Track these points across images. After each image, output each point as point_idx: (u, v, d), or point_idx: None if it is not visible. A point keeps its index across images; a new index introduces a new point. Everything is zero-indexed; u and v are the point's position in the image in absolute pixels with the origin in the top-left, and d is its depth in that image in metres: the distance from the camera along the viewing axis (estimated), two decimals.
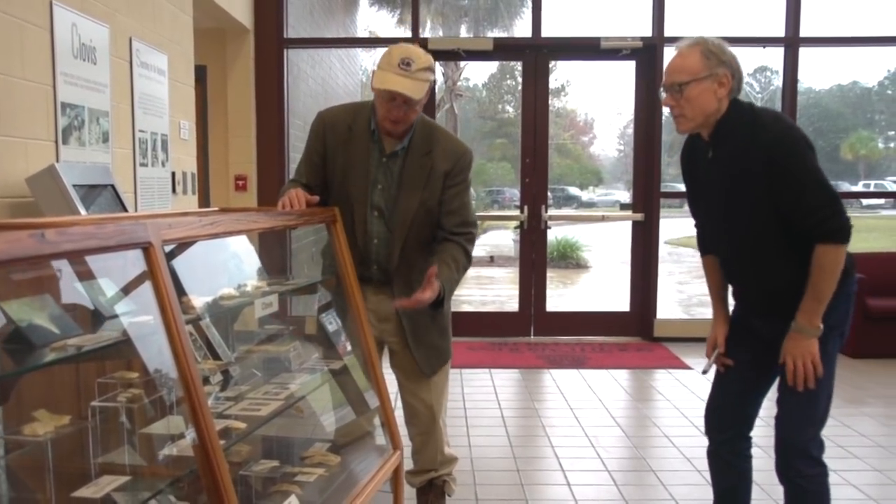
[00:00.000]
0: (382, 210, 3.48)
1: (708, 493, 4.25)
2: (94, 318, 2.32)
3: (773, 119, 2.97)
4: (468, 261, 3.52)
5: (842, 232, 2.87)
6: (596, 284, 15.82)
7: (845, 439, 5.33)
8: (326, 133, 3.52)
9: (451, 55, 8.78)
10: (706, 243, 3.35)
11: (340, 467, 3.24)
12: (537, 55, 8.49)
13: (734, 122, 2.99)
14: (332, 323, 3.68)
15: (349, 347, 3.68)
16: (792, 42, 8.25)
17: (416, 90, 3.29)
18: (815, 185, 2.87)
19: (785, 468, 3.10)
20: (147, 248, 2.06)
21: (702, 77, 2.93)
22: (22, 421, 2.08)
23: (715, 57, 2.94)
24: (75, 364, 2.33)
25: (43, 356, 2.00)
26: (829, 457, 4.87)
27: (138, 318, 2.36)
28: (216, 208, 3.47)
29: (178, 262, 2.50)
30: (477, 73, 22.41)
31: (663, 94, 3.05)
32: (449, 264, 3.39)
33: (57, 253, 1.77)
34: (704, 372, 3.38)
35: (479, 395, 6.40)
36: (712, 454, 3.38)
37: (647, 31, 8.35)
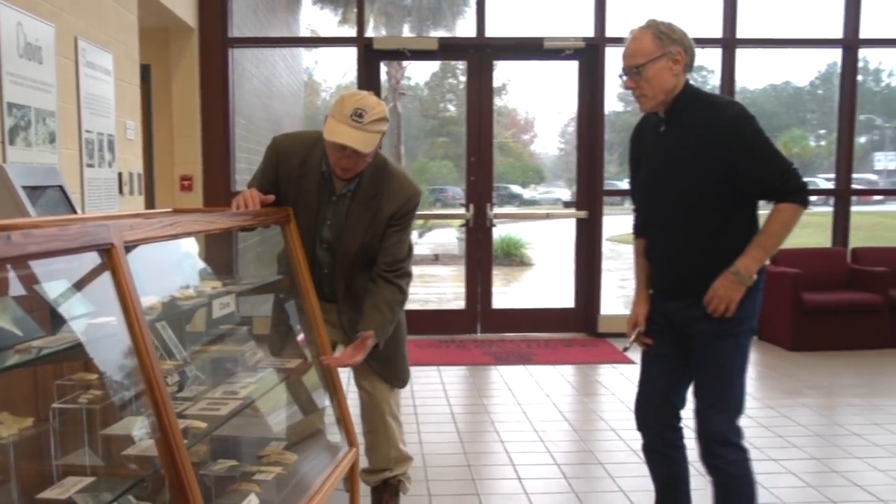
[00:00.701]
0: (331, 244, 3.54)
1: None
2: (54, 319, 2.32)
3: (730, 100, 3.20)
4: (403, 294, 3.58)
5: (804, 190, 3.05)
6: (540, 282, 15.93)
7: (784, 429, 5.47)
8: (280, 163, 3.53)
9: (396, 55, 8.80)
10: (640, 223, 3.44)
11: (297, 465, 3.26)
12: (482, 55, 8.55)
13: (689, 99, 3.15)
14: (286, 322, 3.70)
15: (304, 346, 3.70)
16: (729, 43, 8.41)
17: (367, 143, 3.26)
18: (777, 153, 3.07)
19: (709, 457, 3.22)
20: (109, 250, 2.08)
21: (657, 57, 3.08)
22: None
23: (666, 37, 3.10)
24: (34, 367, 2.32)
25: (7, 358, 2.00)
26: (769, 447, 5.07)
27: (97, 319, 2.37)
28: (169, 209, 3.47)
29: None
30: (419, 72, 22.35)
31: (623, 78, 3.17)
32: (381, 309, 3.47)
33: (23, 255, 1.78)
34: (625, 349, 3.51)
35: (427, 393, 6.44)
36: (647, 448, 3.47)
37: (590, 32, 8.44)
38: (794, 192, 3.03)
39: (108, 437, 2.38)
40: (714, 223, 3.10)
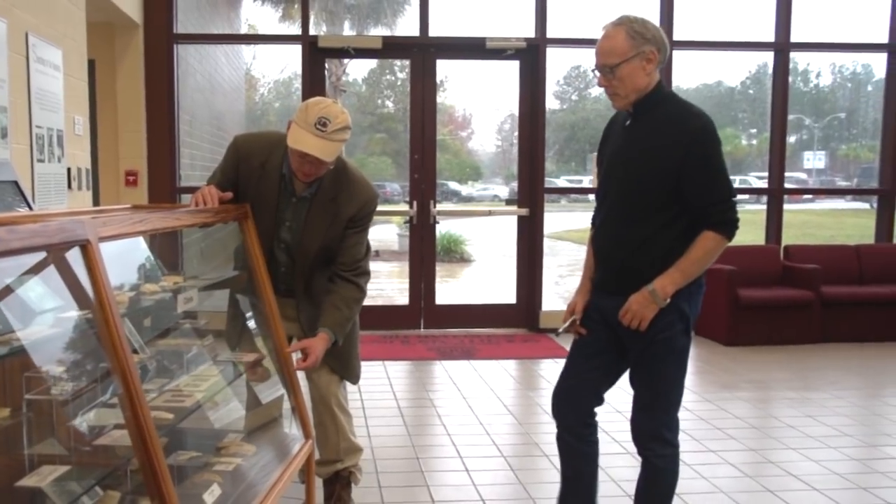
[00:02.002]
0: (289, 245, 3.63)
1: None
2: (24, 313, 2.38)
3: (701, 112, 3.17)
4: (361, 292, 3.71)
5: (734, 225, 3.12)
6: (480, 278, 16.07)
7: (722, 422, 5.65)
8: (240, 164, 3.59)
9: (340, 53, 8.87)
10: (595, 213, 3.46)
11: (256, 456, 3.33)
12: (425, 54, 8.66)
13: (660, 99, 3.16)
14: (242, 317, 3.77)
15: (260, 340, 3.77)
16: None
17: (330, 152, 3.34)
18: (725, 178, 3.13)
19: (641, 448, 3.35)
20: (85, 245, 2.14)
21: (630, 57, 3.07)
22: None
23: (640, 36, 3.08)
24: (5, 359, 2.37)
25: None
26: (708, 438, 5.25)
27: (66, 313, 2.43)
28: (128, 205, 3.51)
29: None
30: (358, 68, 22.37)
31: (596, 74, 3.20)
32: (340, 307, 3.60)
33: (6, 250, 1.84)
34: (557, 334, 3.49)
35: (374, 387, 6.53)
36: (559, 438, 3.50)
37: (531, 33, 8.60)
38: (722, 224, 3.10)
39: (81, 428, 2.44)
40: (653, 225, 3.14)
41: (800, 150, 27.85)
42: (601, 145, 3.47)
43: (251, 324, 3.82)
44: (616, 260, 3.26)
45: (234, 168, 3.59)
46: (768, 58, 9.09)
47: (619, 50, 3.09)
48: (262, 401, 3.83)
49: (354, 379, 3.93)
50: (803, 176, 26.88)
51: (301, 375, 3.73)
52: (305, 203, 3.59)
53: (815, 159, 28.21)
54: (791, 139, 26.95)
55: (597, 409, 3.46)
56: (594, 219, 3.46)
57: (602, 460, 4.67)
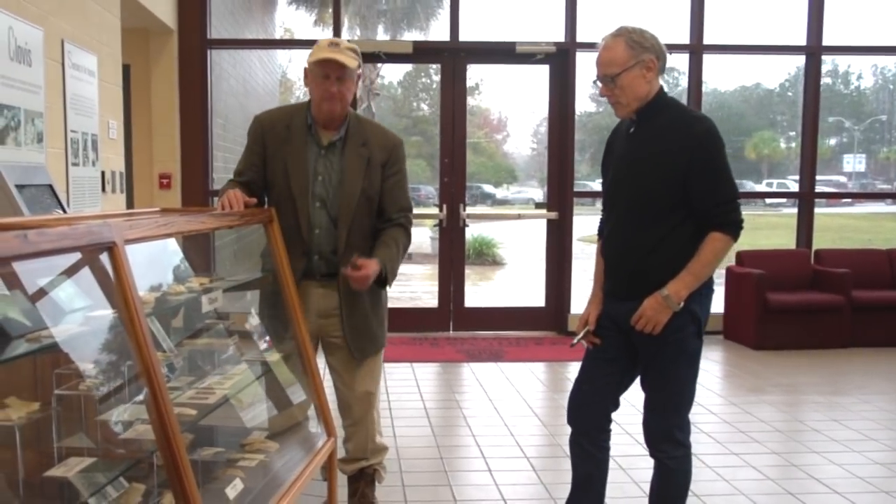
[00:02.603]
0: (325, 200, 3.69)
1: (619, 477, 4.56)
2: (55, 312, 2.48)
3: (703, 116, 3.26)
4: (408, 239, 3.82)
5: (739, 225, 3.18)
6: (511, 281, 16.12)
7: (746, 425, 5.68)
8: (265, 134, 3.73)
9: (371, 58, 8.96)
10: (602, 222, 3.53)
11: (279, 453, 3.42)
12: (455, 59, 8.74)
13: (662, 105, 3.24)
14: (267, 318, 3.85)
15: (283, 341, 3.85)
16: (696, 49, 8.65)
17: (348, 60, 3.54)
18: (730, 180, 3.18)
19: (653, 450, 3.40)
20: (111, 248, 2.23)
21: (630, 66, 3.16)
22: None
23: (638, 45, 3.17)
24: (38, 355, 2.47)
25: (18, 346, 2.16)
26: (731, 441, 5.27)
27: (96, 312, 2.53)
28: (157, 209, 3.62)
29: None
30: (393, 71, 22.47)
31: (598, 85, 3.27)
32: (388, 244, 3.68)
33: (37, 252, 1.93)
34: (572, 345, 3.56)
35: (401, 388, 6.61)
36: (573, 442, 3.56)
37: (561, 37, 8.66)
38: (728, 224, 3.16)
39: (107, 422, 2.54)
40: (661, 230, 3.19)
41: (840, 153, 27.63)
42: (606, 154, 3.53)
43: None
44: (626, 265, 3.31)
45: (259, 142, 3.73)
46: (801, 61, 9.07)
47: (619, 60, 3.18)
48: (288, 402, 3.91)
49: (381, 344, 3.97)
50: (843, 179, 26.66)
51: (326, 374, 3.82)
52: (335, 151, 3.71)
53: (855, 162, 27.97)
54: (831, 142, 26.75)
55: (612, 416, 3.51)
56: (601, 229, 3.53)
57: (624, 461, 4.76)
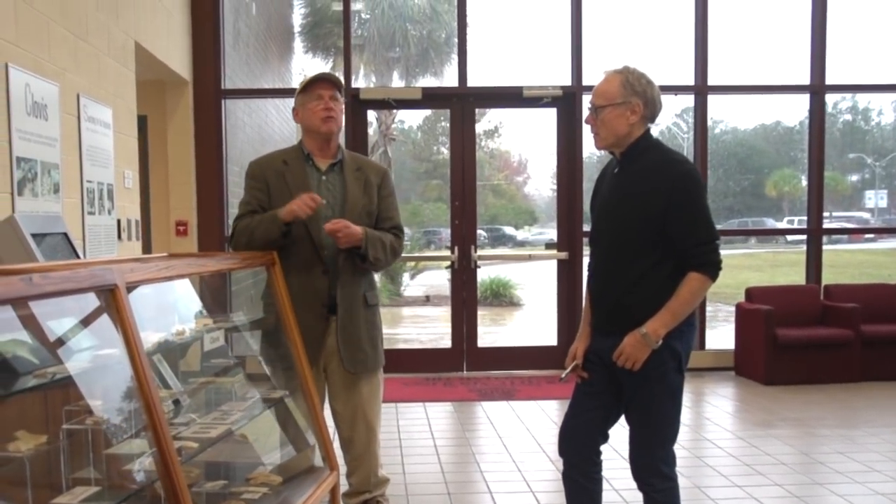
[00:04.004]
0: (331, 218, 3.87)
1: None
2: (65, 351, 2.64)
3: (684, 158, 3.39)
4: (397, 246, 4.05)
5: (717, 266, 3.29)
6: (528, 321, 16.21)
7: (752, 458, 5.74)
8: (264, 171, 4.00)
9: (382, 104, 9.19)
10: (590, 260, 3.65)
11: (282, 486, 3.55)
12: (464, 104, 8.94)
13: (644, 147, 3.36)
14: (271, 356, 4.00)
15: (286, 379, 3.99)
16: (701, 90, 8.80)
17: (338, 79, 4.00)
18: (708, 221, 3.30)
19: (639, 483, 3.49)
20: (113, 290, 2.39)
21: (617, 103, 3.30)
22: (4, 440, 2.39)
23: (631, 87, 3.30)
24: (45, 391, 2.63)
25: (27, 382, 2.32)
26: (735, 474, 5.36)
27: (101, 351, 2.69)
28: (165, 254, 3.79)
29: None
30: (412, 116, 22.72)
31: (589, 110, 3.41)
32: (379, 235, 3.96)
33: (41, 294, 2.10)
34: (561, 379, 3.65)
35: (413, 427, 6.73)
36: (565, 476, 3.63)
37: (567, 80, 8.84)
38: (706, 265, 3.25)
39: (112, 456, 2.69)
40: (642, 267, 3.30)
41: (862, 190, 27.57)
42: (593, 194, 3.65)
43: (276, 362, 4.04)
44: (609, 300, 3.42)
45: (261, 179, 3.98)
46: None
47: (609, 94, 3.32)
48: (297, 445, 4.04)
49: (377, 364, 4.11)
50: (866, 215, 26.60)
51: (328, 406, 3.96)
52: (334, 175, 3.99)
53: (877, 198, 27.88)
54: (853, 178, 26.71)
55: (602, 448, 3.59)
56: (589, 265, 3.63)
57: (627, 495, 4.84)
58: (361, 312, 3.97)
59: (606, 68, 3.41)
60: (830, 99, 9.30)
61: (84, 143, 5.38)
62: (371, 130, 12.79)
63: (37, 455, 2.38)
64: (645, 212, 3.28)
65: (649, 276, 3.30)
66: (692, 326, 3.41)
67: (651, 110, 3.35)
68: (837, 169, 24.58)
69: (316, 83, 3.92)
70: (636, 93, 3.30)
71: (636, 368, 3.29)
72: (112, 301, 2.40)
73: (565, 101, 8.85)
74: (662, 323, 3.25)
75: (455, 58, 9.47)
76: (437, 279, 18.30)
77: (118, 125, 6.02)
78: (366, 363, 4.01)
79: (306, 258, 3.85)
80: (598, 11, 8.98)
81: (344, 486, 4.14)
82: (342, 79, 8.80)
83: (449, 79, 20.09)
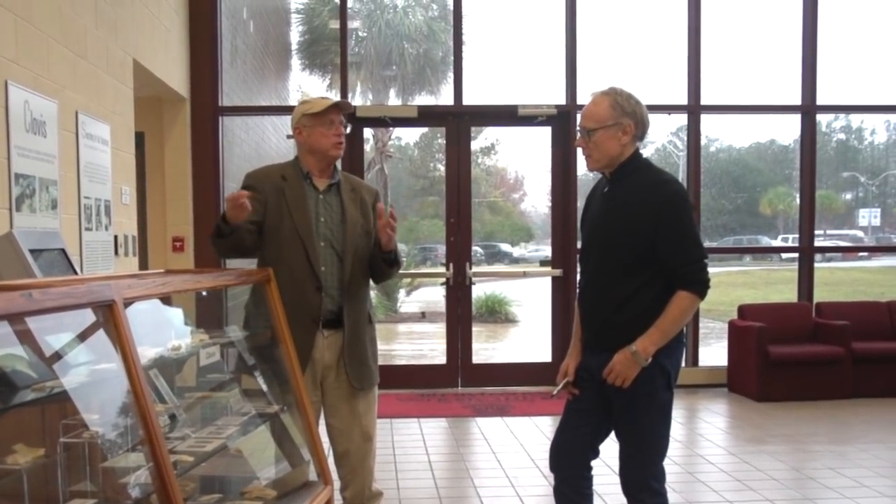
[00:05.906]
0: (330, 239, 3.93)
1: None
2: (62, 365, 2.68)
3: (672, 178, 3.43)
4: (399, 264, 4.10)
5: (705, 284, 3.34)
6: (524, 338, 16.24)
7: (744, 474, 5.79)
8: (262, 182, 3.98)
9: (378, 122, 9.26)
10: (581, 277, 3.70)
11: (277, 500, 3.58)
12: (459, 122, 9.02)
13: (634, 167, 3.41)
14: (265, 371, 4.04)
15: (281, 394, 4.03)
16: (694, 109, 8.88)
17: (350, 107, 4.04)
18: (696, 240, 3.35)
19: (629, 498, 3.53)
20: (111, 306, 2.44)
21: (608, 125, 3.34)
22: (2, 453, 2.43)
23: (621, 108, 3.35)
24: (43, 405, 2.67)
25: (25, 395, 2.36)
26: (726, 489, 5.40)
27: (98, 365, 2.73)
28: (162, 270, 3.83)
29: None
30: (409, 133, 22.80)
31: (579, 134, 3.46)
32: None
33: (40, 309, 2.14)
34: (553, 396, 3.68)
35: (407, 442, 6.76)
36: (556, 490, 3.67)
37: (562, 100, 8.92)
38: (694, 283, 3.30)
39: (108, 469, 2.73)
40: (631, 285, 3.34)
41: (855, 208, 27.74)
42: (584, 212, 3.71)
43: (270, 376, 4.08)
44: (598, 318, 3.47)
45: (256, 189, 3.93)
46: (823, 117, 9.28)
47: (600, 116, 3.37)
48: (293, 461, 4.07)
49: (375, 379, 4.13)
50: (859, 234, 26.76)
51: (322, 420, 4.00)
52: (331, 195, 4.01)
53: (870, 216, 28.04)
54: (847, 196, 26.87)
55: (592, 463, 3.63)
56: (580, 282, 3.68)
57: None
58: (366, 329, 4.02)
59: (594, 90, 3.47)
60: (824, 118, 9.37)
61: (82, 159, 5.43)
62: (368, 147, 12.88)
63: (34, 468, 2.42)
64: (633, 230, 3.33)
65: (638, 294, 3.35)
66: (681, 344, 3.46)
67: (641, 129, 3.41)
68: (831, 187, 24.75)
69: (331, 110, 3.91)
70: (626, 113, 3.35)
71: (626, 386, 3.33)
72: (110, 316, 2.44)
73: (560, 120, 8.92)
74: (652, 341, 3.29)
75: (451, 76, 9.54)
76: (433, 295, 18.34)
77: (116, 142, 6.08)
78: (371, 378, 4.05)
79: (300, 274, 3.88)
80: (593, 32, 9.07)
81: (338, 501, 4.17)
82: (339, 96, 8.90)
83: (445, 97, 20.22)
